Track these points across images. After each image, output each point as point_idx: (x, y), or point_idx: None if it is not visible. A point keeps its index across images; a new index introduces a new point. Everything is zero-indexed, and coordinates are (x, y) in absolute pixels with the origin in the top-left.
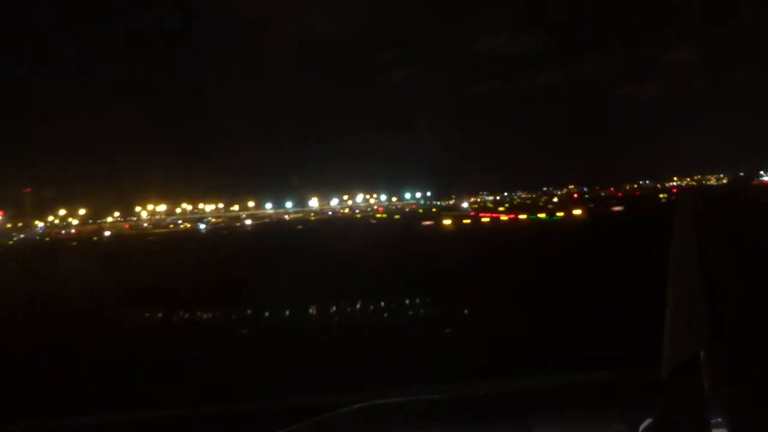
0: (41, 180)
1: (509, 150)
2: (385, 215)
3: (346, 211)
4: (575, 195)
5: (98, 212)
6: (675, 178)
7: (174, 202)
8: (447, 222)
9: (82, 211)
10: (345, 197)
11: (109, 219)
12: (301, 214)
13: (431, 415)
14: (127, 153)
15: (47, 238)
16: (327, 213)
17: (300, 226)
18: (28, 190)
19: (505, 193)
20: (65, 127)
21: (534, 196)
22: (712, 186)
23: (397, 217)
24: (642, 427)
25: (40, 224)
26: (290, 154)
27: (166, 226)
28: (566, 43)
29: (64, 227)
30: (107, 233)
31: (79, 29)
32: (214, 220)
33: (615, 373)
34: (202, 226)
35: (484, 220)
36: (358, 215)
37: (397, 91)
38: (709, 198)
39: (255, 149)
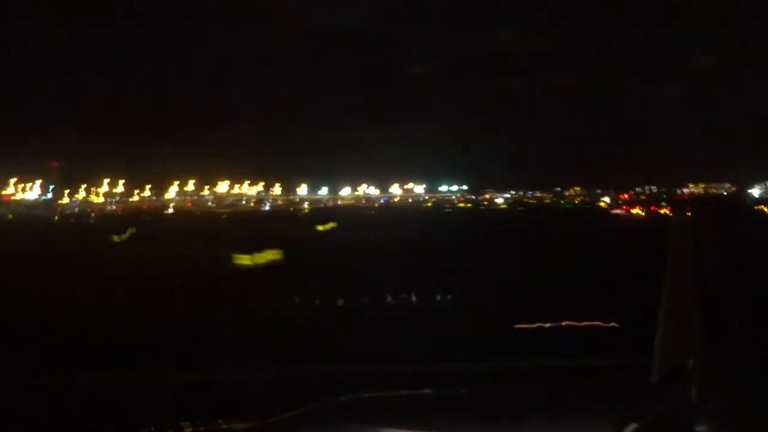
0: (50, 155)
1: (512, 150)
2: (470, 205)
3: (397, 199)
4: (625, 195)
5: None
6: (691, 185)
7: (205, 181)
8: (636, 211)
9: (120, 188)
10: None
11: (135, 197)
12: (353, 201)
13: (417, 412)
14: (153, 132)
15: (118, 213)
16: (380, 200)
17: (449, 211)
18: (56, 164)
19: (512, 192)
20: (87, 105)
21: (550, 195)
22: (708, 193)
23: (504, 206)
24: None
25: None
26: (312, 143)
27: (233, 205)
28: (575, 45)
29: (96, 204)
30: (170, 210)
31: None
32: (279, 201)
33: (603, 376)
34: (267, 207)
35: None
36: (429, 204)
37: (408, 85)
38: (706, 204)
39: (281, 135)
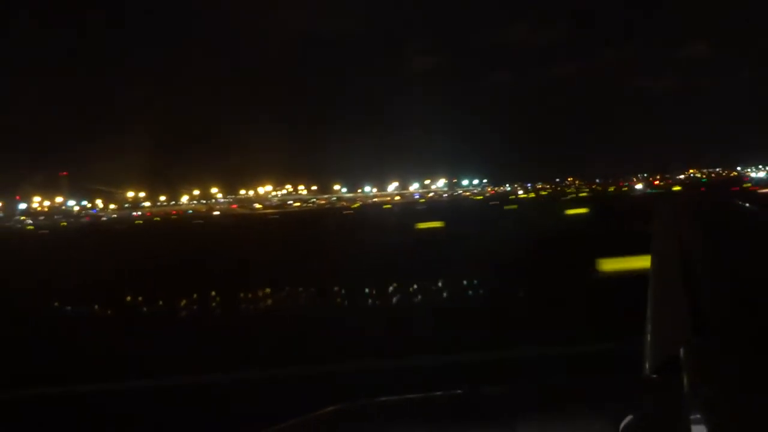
0: (58, 165)
1: (508, 144)
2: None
3: (431, 195)
4: (655, 182)
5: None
6: (692, 171)
7: (230, 185)
8: None
9: (141, 194)
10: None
11: (147, 203)
12: (388, 198)
13: (412, 415)
14: (170, 141)
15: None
16: (413, 197)
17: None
18: (64, 173)
19: (508, 185)
20: (99, 112)
21: (553, 187)
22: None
23: (585, 193)
24: (623, 424)
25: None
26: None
27: (282, 206)
28: (574, 38)
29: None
30: (216, 213)
31: None
32: (321, 201)
33: (597, 371)
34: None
35: None
36: (478, 197)
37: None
38: (689, 203)
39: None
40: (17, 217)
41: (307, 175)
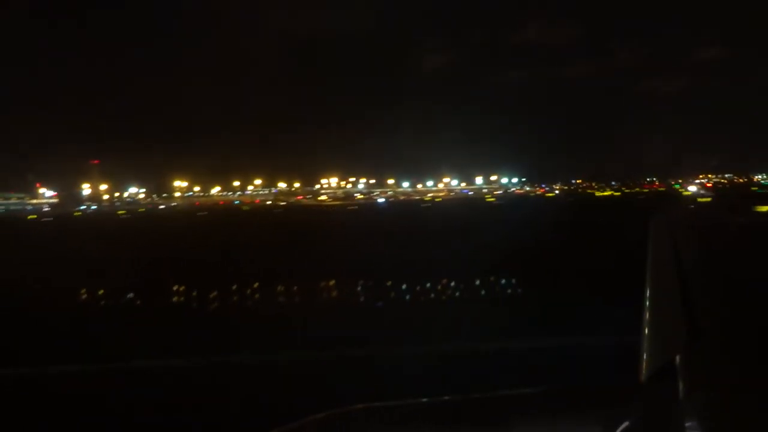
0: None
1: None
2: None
3: (486, 193)
4: (708, 184)
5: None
6: (705, 175)
7: (271, 178)
8: None
9: (175, 184)
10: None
11: (177, 193)
12: (444, 193)
13: (404, 421)
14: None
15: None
16: (455, 192)
17: None
18: (96, 161)
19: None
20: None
21: (569, 188)
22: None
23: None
24: (619, 431)
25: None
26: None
27: (351, 199)
28: (575, 40)
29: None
30: (283, 203)
31: None
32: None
33: (591, 378)
34: (381, 200)
35: None
36: (551, 194)
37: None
38: (685, 211)
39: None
40: (84, 206)
41: (358, 170)
